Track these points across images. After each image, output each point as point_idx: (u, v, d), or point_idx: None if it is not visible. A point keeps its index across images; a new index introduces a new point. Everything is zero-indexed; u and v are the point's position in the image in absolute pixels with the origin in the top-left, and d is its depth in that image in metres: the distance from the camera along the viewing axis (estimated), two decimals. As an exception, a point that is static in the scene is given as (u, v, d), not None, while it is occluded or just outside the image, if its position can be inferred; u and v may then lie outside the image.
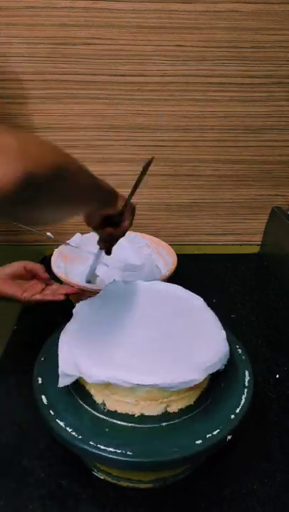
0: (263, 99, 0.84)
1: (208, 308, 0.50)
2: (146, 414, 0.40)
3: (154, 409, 0.40)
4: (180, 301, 0.51)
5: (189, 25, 0.76)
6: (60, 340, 0.44)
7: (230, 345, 0.45)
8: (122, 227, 0.53)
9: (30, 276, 0.59)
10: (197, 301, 0.51)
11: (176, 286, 0.54)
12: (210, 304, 0.50)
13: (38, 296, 0.56)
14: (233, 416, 0.40)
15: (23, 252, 0.92)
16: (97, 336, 0.45)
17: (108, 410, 0.41)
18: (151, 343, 0.44)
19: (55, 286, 0.60)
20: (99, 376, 0.39)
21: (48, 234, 0.72)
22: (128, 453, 0.37)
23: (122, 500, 0.43)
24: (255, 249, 1.00)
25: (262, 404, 0.55)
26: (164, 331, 0.46)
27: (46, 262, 0.68)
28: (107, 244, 0.58)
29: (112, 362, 0.40)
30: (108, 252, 0.60)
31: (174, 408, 0.41)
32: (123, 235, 0.55)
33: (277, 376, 0.60)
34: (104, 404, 0.41)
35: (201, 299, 0.51)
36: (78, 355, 0.41)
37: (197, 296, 0.52)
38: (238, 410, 0.41)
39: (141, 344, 0.44)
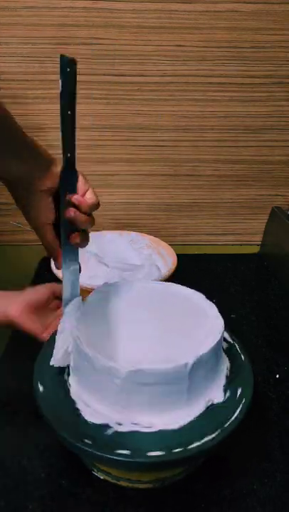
0: (263, 99, 0.84)
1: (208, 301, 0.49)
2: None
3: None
4: (179, 298, 0.51)
5: (189, 25, 0.76)
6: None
7: (229, 345, 0.45)
8: (84, 200, 0.41)
9: (58, 304, 0.53)
10: (196, 296, 0.51)
11: (175, 284, 0.54)
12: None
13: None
14: (233, 416, 0.40)
15: (23, 252, 0.92)
16: (96, 330, 0.45)
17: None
18: (149, 338, 0.44)
19: None
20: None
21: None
22: (127, 453, 0.37)
23: (121, 500, 0.43)
24: (255, 249, 1.00)
25: (262, 404, 0.55)
26: (163, 328, 0.46)
27: (46, 262, 0.68)
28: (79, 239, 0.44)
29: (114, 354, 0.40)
30: (79, 245, 0.44)
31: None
32: (90, 209, 0.42)
33: (277, 376, 0.60)
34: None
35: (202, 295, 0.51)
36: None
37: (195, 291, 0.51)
38: (238, 411, 0.41)
39: (138, 340, 0.44)
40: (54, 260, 0.46)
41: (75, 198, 0.41)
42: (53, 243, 0.45)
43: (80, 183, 0.42)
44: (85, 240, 0.44)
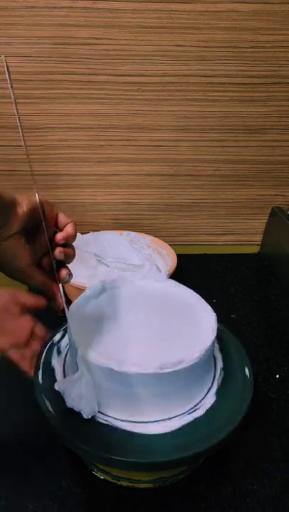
0: (263, 99, 0.84)
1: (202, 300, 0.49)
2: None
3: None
4: (178, 298, 0.51)
5: (189, 25, 0.76)
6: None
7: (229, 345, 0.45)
8: (67, 233, 0.38)
9: (19, 312, 0.48)
10: (188, 294, 0.50)
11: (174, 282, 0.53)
12: (210, 304, 0.50)
13: (14, 356, 0.46)
14: (233, 416, 0.40)
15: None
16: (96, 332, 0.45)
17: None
18: (147, 339, 0.44)
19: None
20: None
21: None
22: (127, 453, 0.37)
23: (122, 500, 0.43)
24: (255, 249, 1.00)
25: (262, 405, 0.55)
26: (161, 328, 0.46)
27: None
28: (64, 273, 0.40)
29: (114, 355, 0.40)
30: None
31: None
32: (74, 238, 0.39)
33: (277, 376, 0.60)
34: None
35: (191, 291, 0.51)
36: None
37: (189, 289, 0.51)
38: (243, 404, 0.41)
39: (136, 340, 0.43)
40: (50, 300, 0.41)
41: (61, 238, 0.38)
42: (46, 282, 0.39)
43: (48, 211, 0.37)
44: (71, 275, 0.41)
